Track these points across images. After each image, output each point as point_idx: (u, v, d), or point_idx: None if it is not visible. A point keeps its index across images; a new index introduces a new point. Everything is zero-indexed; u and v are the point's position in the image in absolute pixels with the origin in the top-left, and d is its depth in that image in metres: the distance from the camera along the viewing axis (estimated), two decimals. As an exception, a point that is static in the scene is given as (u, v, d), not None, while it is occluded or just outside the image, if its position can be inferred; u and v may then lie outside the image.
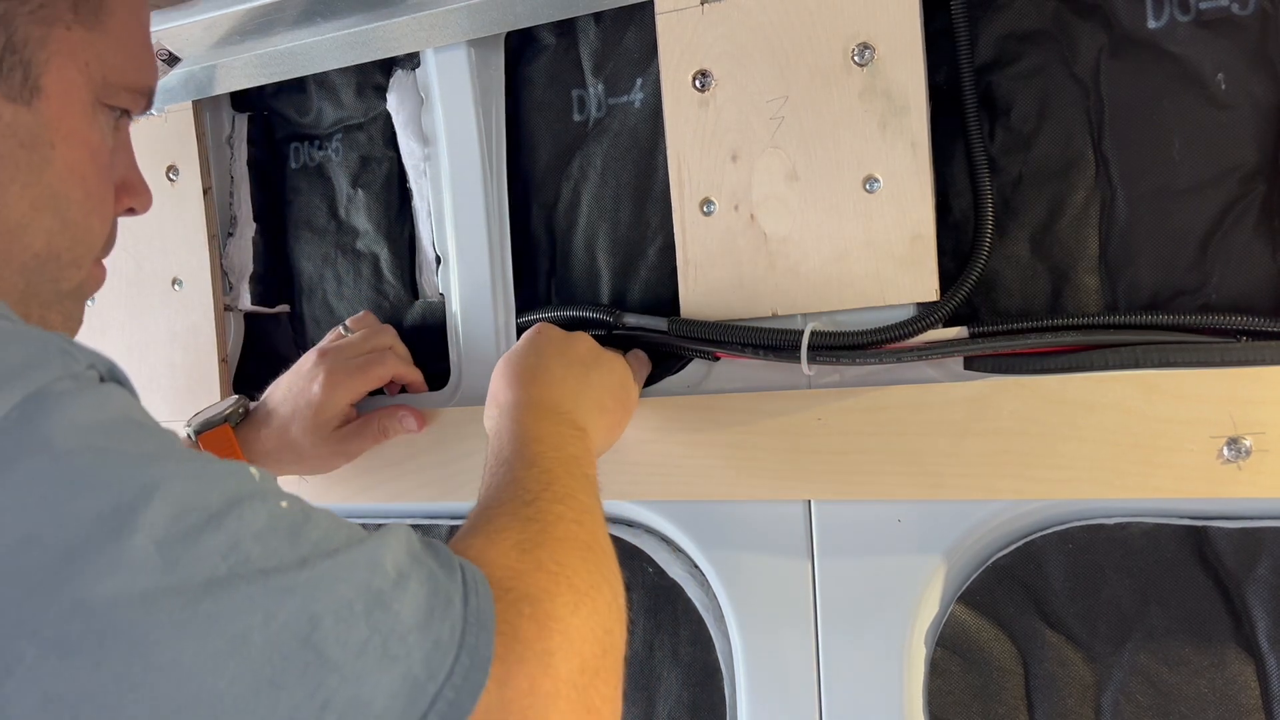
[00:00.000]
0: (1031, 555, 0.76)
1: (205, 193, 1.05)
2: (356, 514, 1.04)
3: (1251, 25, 0.69)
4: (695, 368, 0.85)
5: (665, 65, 0.80)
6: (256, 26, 0.90)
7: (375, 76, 0.99)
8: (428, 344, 1.02)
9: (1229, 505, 0.70)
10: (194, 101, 1.03)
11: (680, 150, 0.81)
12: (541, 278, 0.95)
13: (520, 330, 0.93)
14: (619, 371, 0.80)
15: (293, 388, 0.91)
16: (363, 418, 0.92)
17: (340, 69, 0.98)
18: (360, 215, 1.03)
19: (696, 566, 0.89)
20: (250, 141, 1.06)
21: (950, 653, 0.79)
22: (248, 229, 1.06)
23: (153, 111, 1.05)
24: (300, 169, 1.06)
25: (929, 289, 0.75)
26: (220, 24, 0.90)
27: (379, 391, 0.95)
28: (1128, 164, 0.73)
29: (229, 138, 1.07)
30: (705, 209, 0.81)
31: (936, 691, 0.79)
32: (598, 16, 0.88)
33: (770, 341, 0.78)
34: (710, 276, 0.81)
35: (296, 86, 1.04)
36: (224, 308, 1.07)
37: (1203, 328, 0.70)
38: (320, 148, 1.04)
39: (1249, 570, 0.70)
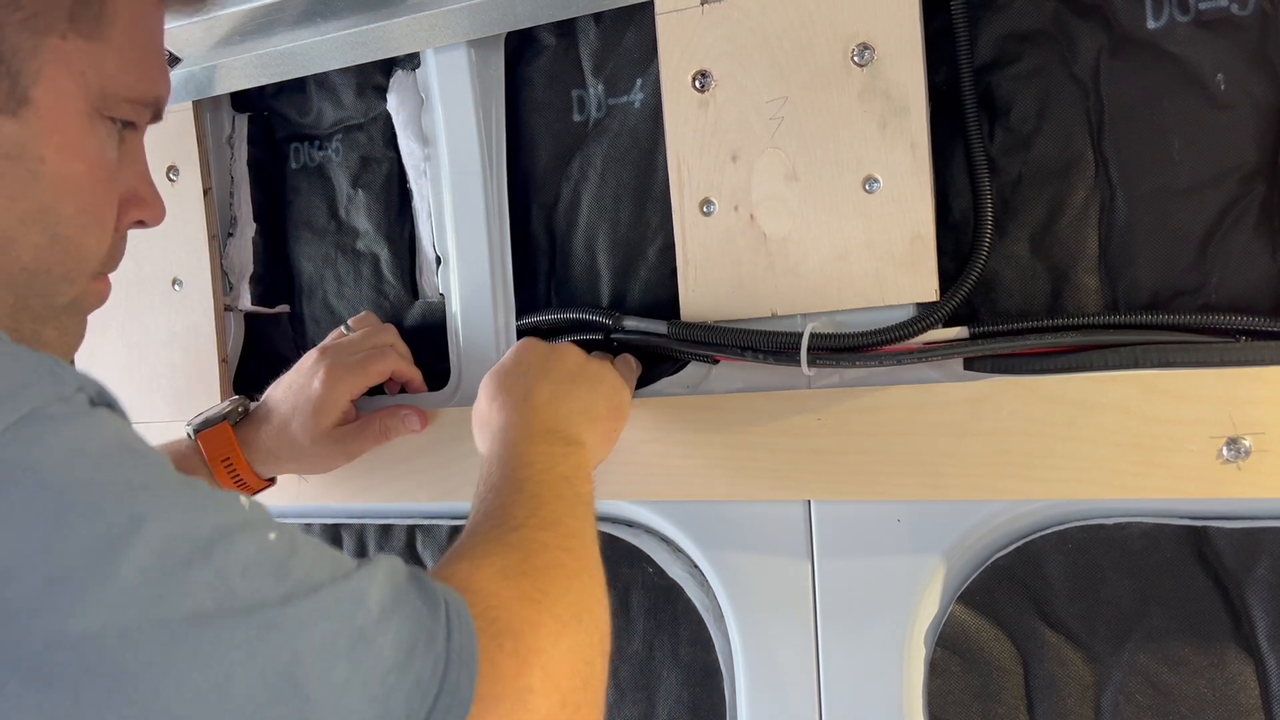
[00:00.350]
0: (1031, 555, 0.76)
1: (205, 193, 1.05)
2: (356, 514, 1.04)
3: (1251, 25, 0.69)
4: (695, 368, 0.85)
5: (665, 65, 0.80)
6: (256, 27, 0.90)
7: (375, 77, 0.99)
8: (428, 344, 1.02)
9: (1229, 505, 0.70)
10: (194, 101, 1.03)
11: (680, 150, 0.81)
12: (541, 278, 0.95)
13: (521, 333, 0.93)
14: (608, 379, 0.80)
15: (293, 385, 0.91)
16: (364, 417, 0.92)
17: (340, 69, 0.98)
18: (360, 215, 1.03)
19: (696, 566, 0.89)
20: (250, 142, 1.06)
21: (950, 653, 0.79)
22: (248, 229, 1.06)
23: (153, 112, 1.05)
24: (300, 169, 1.06)
25: (929, 289, 0.75)
26: (220, 24, 0.90)
27: (379, 391, 0.95)
28: (1127, 164, 0.73)
29: (229, 138, 1.07)
30: (705, 209, 0.81)
31: (936, 691, 0.79)
32: (598, 17, 0.88)
33: (770, 345, 0.78)
34: (710, 277, 0.81)
35: (297, 87, 1.04)
36: (224, 308, 1.07)
37: (1202, 328, 0.70)
38: (320, 148, 1.04)
39: (1249, 570, 0.70)
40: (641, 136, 0.88)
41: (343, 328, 0.96)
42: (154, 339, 1.07)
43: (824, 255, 0.77)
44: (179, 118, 1.04)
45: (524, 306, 0.94)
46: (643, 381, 0.86)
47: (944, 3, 0.75)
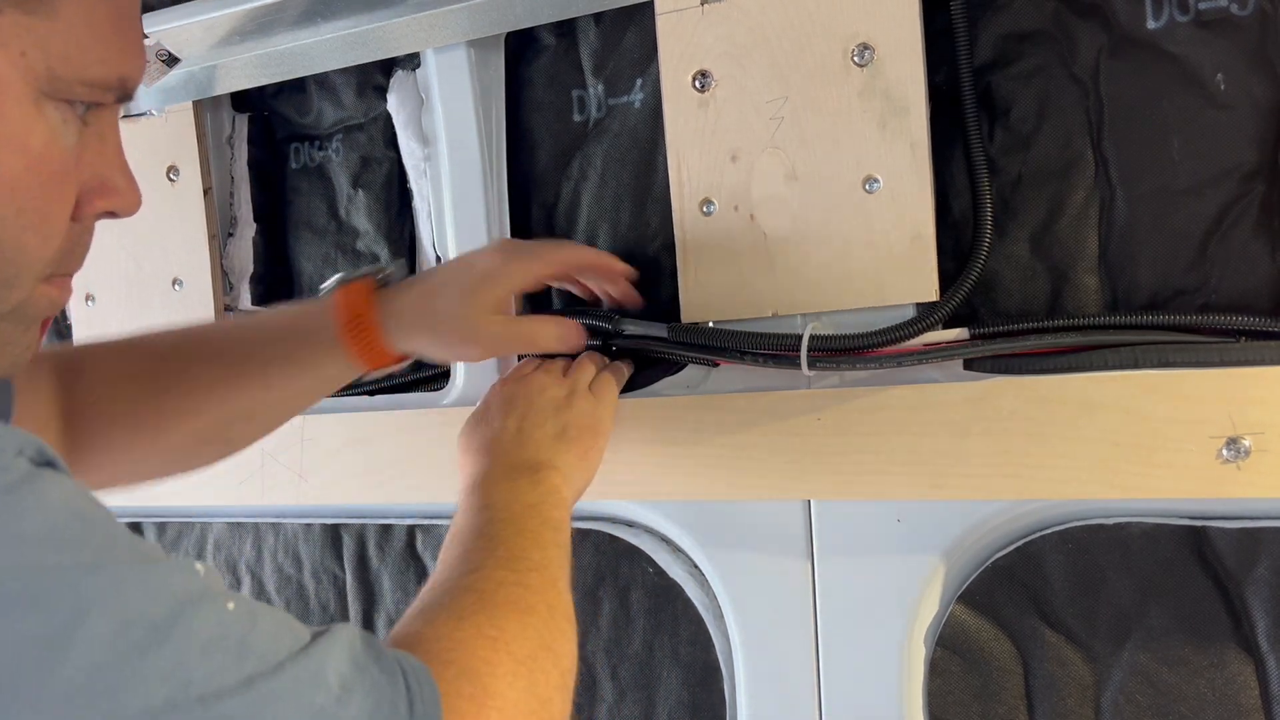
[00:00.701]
0: (1031, 555, 0.76)
1: (205, 193, 1.05)
2: (356, 514, 1.04)
3: (1251, 25, 0.69)
4: (695, 368, 0.85)
5: (665, 65, 0.80)
6: (256, 27, 0.90)
7: (375, 77, 0.99)
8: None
9: (1228, 505, 0.70)
10: (194, 102, 1.03)
11: (680, 150, 0.81)
12: (541, 278, 0.95)
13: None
14: (580, 398, 0.78)
15: (459, 260, 0.84)
16: (525, 317, 0.84)
17: (340, 69, 0.98)
18: (360, 215, 1.03)
19: (696, 566, 0.89)
20: (251, 142, 1.06)
21: (950, 653, 0.79)
22: (248, 229, 1.06)
23: (153, 111, 1.05)
24: (301, 169, 1.06)
25: (929, 289, 0.75)
26: (220, 24, 0.90)
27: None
28: (1127, 164, 0.73)
29: (229, 138, 1.07)
30: (705, 209, 0.81)
31: (936, 691, 0.79)
32: (597, 17, 0.88)
33: (770, 348, 0.78)
34: (710, 276, 0.81)
35: (297, 87, 1.04)
36: (224, 308, 1.07)
37: (1202, 328, 0.70)
38: (320, 148, 1.05)
39: (1248, 570, 0.70)
40: (641, 137, 0.88)
41: None
42: (154, 339, 1.07)
43: (824, 255, 0.77)
44: (179, 118, 1.04)
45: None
46: (642, 383, 0.86)
47: (944, 3, 0.75)
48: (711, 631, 0.87)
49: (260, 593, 1.11)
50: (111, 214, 0.57)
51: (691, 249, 0.82)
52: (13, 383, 0.62)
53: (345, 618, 1.06)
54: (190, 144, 1.04)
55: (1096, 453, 0.70)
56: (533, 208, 0.94)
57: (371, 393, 1.02)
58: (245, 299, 1.06)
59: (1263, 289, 0.70)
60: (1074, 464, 0.70)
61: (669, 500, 0.87)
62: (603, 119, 0.90)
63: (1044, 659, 0.76)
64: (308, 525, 1.07)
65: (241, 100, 1.07)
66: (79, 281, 0.62)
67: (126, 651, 0.40)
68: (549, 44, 0.92)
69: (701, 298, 0.81)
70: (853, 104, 0.75)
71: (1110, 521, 0.74)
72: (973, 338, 0.75)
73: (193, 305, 1.05)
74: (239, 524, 1.12)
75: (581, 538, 0.91)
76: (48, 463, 0.45)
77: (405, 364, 0.81)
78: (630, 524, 0.92)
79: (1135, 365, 0.69)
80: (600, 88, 0.90)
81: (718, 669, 0.87)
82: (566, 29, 0.91)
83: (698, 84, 0.79)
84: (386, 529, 1.02)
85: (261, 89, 1.05)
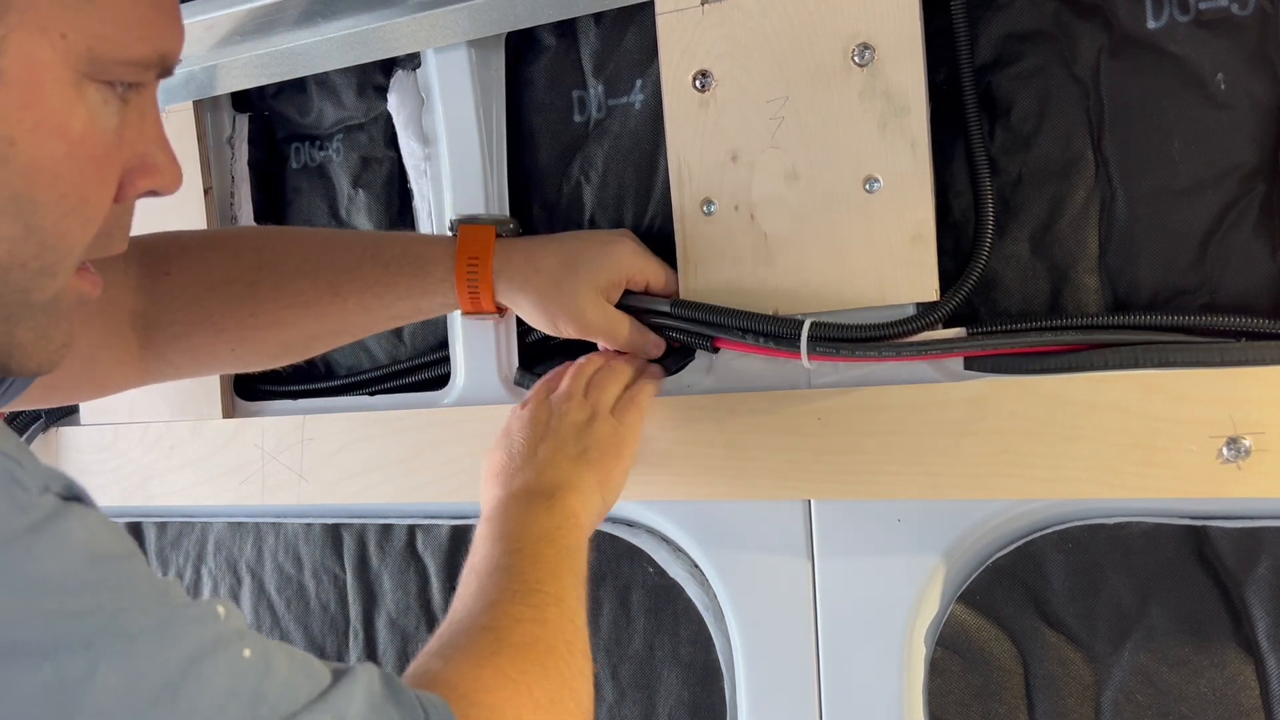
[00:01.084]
0: (1031, 555, 0.76)
1: (206, 193, 1.05)
2: (356, 514, 1.04)
3: (1251, 25, 0.69)
4: (695, 368, 0.85)
5: (665, 65, 0.80)
6: (257, 26, 0.90)
7: (376, 76, 1.00)
8: (427, 344, 1.02)
9: (1229, 505, 0.70)
10: (194, 101, 1.03)
11: (680, 150, 0.81)
12: (542, 278, 0.95)
13: (520, 333, 0.93)
14: (601, 419, 0.77)
15: (587, 234, 0.85)
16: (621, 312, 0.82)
17: (341, 69, 0.98)
18: (361, 215, 1.03)
19: (696, 566, 0.89)
20: (251, 141, 1.06)
21: (950, 652, 0.79)
22: (248, 229, 1.06)
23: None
24: (301, 169, 1.06)
25: (929, 289, 0.75)
26: (220, 24, 0.90)
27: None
28: (1128, 164, 0.73)
29: (229, 138, 1.07)
30: (705, 209, 0.81)
31: (936, 691, 0.79)
32: (598, 17, 0.88)
33: (770, 329, 0.77)
34: (710, 276, 0.81)
35: (297, 86, 1.04)
36: (224, 308, 1.07)
37: (1202, 328, 0.70)
38: (321, 148, 1.05)
39: (1249, 570, 0.70)
40: (642, 137, 0.88)
41: None
42: (154, 339, 1.07)
43: (824, 255, 0.77)
44: (179, 118, 1.04)
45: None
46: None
47: (944, 2, 0.75)
48: (711, 631, 0.87)
49: (260, 592, 1.11)
50: (154, 193, 0.56)
51: (692, 249, 0.82)
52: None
53: (346, 618, 1.06)
54: (190, 144, 1.04)
55: (1096, 453, 0.70)
56: (533, 208, 0.94)
57: (372, 392, 1.02)
58: (245, 299, 1.06)
59: (1263, 289, 0.70)
60: (1074, 464, 0.70)
61: (669, 500, 0.87)
62: (603, 119, 0.90)
63: (1044, 659, 0.76)
64: (308, 525, 1.07)
65: (241, 100, 1.07)
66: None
67: (137, 707, 0.40)
68: (549, 44, 0.92)
69: (701, 297, 0.81)
70: (853, 104, 0.75)
71: (1110, 521, 0.74)
72: (972, 335, 0.75)
73: (193, 305, 1.05)
74: (239, 524, 1.12)
75: (582, 538, 0.91)
76: (75, 497, 0.44)
77: (500, 318, 0.83)
78: (630, 524, 0.92)
79: (1135, 365, 0.69)
80: (600, 88, 0.90)
81: (718, 669, 0.88)
82: (567, 29, 0.91)
83: (698, 84, 0.79)
84: (387, 529, 1.02)
85: (261, 89, 1.05)
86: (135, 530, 1.19)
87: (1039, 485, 0.72)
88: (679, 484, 0.83)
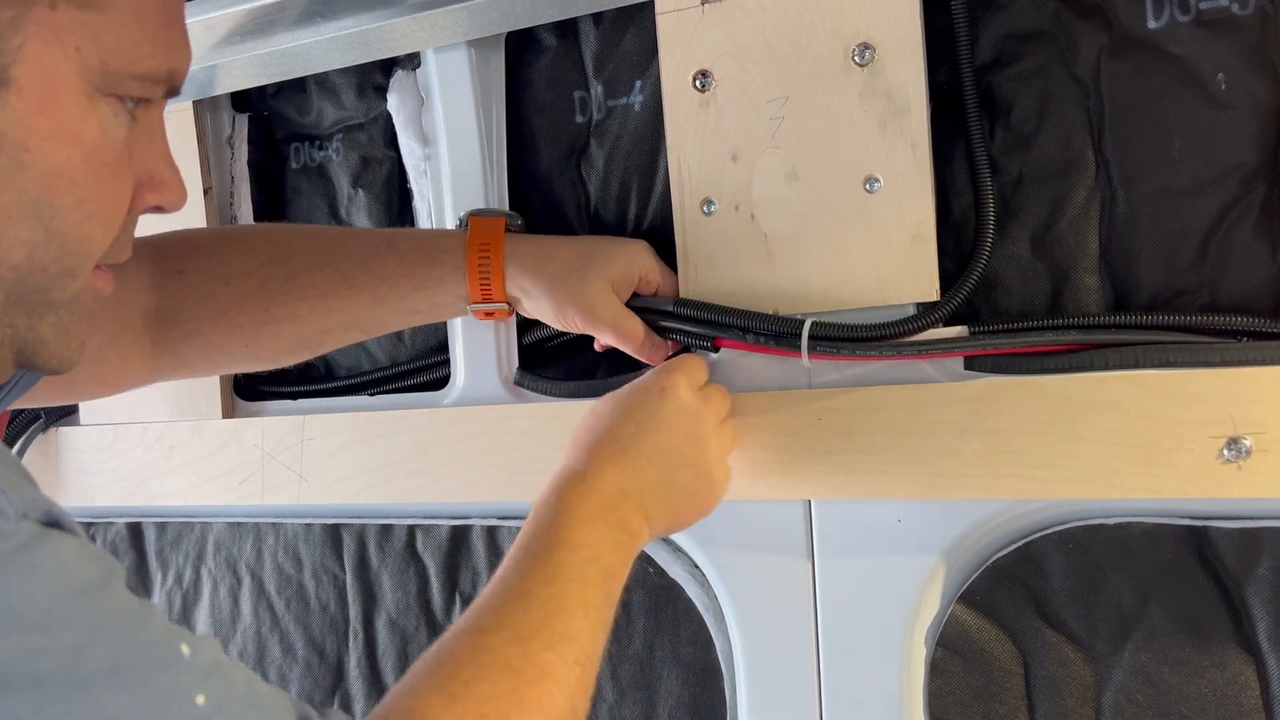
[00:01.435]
0: (1031, 555, 0.76)
1: (206, 193, 1.05)
2: (356, 514, 1.04)
3: (1251, 25, 0.69)
4: (695, 368, 0.85)
5: (665, 65, 0.80)
6: (256, 26, 0.90)
7: (375, 76, 0.99)
8: (427, 344, 1.02)
9: (1229, 505, 0.70)
10: (194, 101, 1.03)
11: (680, 150, 0.81)
12: (542, 278, 0.95)
13: (520, 333, 0.93)
14: (715, 472, 0.75)
15: (602, 237, 0.85)
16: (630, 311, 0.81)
17: (340, 69, 0.98)
18: (361, 215, 1.03)
19: (696, 566, 0.89)
20: (250, 141, 1.06)
21: (950, 653, 0.79)
22: (248, 229, 1.06)
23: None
24: (301, 169, 1.06)
25: (929, 289, 0.75)
26: (220, 24, 0.90)
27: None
28: (1128, 164, 0.73)
29: (229, 138, 1.07)
30: (705, 209, 0.81)
31: (936, 691, 0.79)
32: (597, 18, 0.88)
33: (771, 329, 0.77)
34: (710, 276, 0.81)
35: (297, 86, 1.04)
36: (224, 308, 1.06)
37: (1203, 328, 0.70)
38: (321, 148, 1.05)
39: (1249, 570, 0.70)
40: (642, 138, 0.88)
41: None
42: (154, 339, 1.07)
43: (824, 255, 0.77)
44: (179, 117, 1.04)
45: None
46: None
47: (944, 2, 0.75)
48: (711, 631, 0.87)
49: (260, 593, 1.11)
50: (160, 209, 0.58)
51: (692, 249, 0.82)
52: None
53: (345, 618, 1.06)
54: (190, 144, 1.04)
55: (1096, 453, 0.70)
56: (533, 208, 0.94)
57: (372, 392, 1.02)
58: (245, 299, 1.06)
59: (1263, 289, 0.70)
60: (1074, 464, 0.70)
61: (669, 500, 0.87)
62: (603, 120, 0.90)
63: (1044, 659, 0.76)
64: (308, 525, 1.07)
65: (241, 100, 1.07)
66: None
67: None
68: (549, 45, 0.92)
69: (702, 297, 0.81)
70: (853, 104, 0.75)
71: (1110, 521, 0.74)
72: (973, 335, 0.75)
73: (193, 305, 1.05)
74: (239, 524, 1.12)
75: (582, 538, 0.91)
76: (54, 523, 0.44)
77: (508, 315, 0.82)
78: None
79: (1136, 365, 0.69)
80: (600, 88, 0.90)
81: (718, 669, 0.87)
82: (567, 29, 0.91)
83: (698, 84, 0.79)
84: (386, 529, 1.02)
85: (261, 89, 1.05)
86: (135, 530, 1.19)
87: (1039, 485, 0.72)
88: (679, 484, 0.83)
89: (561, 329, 0.82)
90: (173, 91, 0.56)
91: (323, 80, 1.02)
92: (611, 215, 0.90)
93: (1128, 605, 0.73)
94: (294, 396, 1.05)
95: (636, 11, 0.86)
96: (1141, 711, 0.73)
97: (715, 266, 0.81)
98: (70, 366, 0.56)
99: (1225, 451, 0.66)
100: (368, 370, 1.04)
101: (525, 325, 0.93)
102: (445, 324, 0.96)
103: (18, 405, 0.73)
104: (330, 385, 1.05)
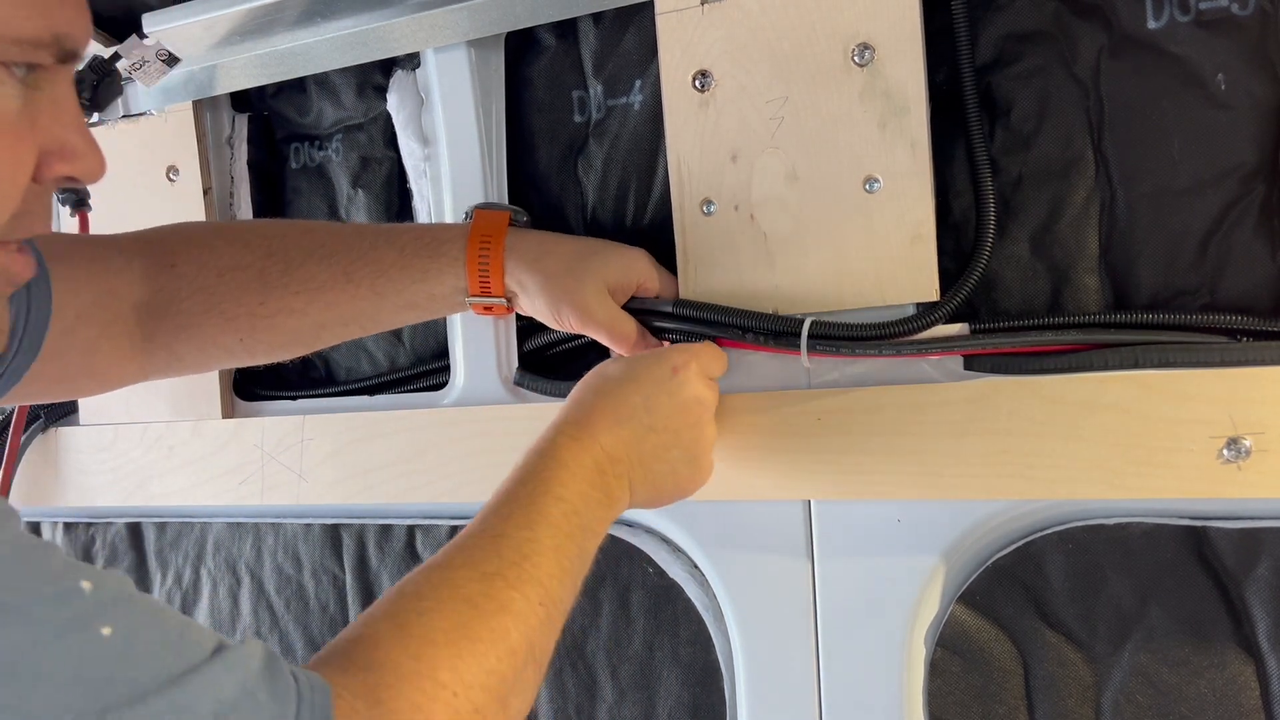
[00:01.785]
0: (1031, 555, 0.76)
1: (205, 193, 1.05)
2: (356, 514, 1.04)
3: (1251, 25, 0.69)
4: (695, 368, 0.85)
5: (665, 65, 0.80)
6: (256, 27, 0.90)
7: (375, 76, 0.99)
8: (427, 344, 1.02)
9: (1229, 505, 0.70)
10: (194, 102, 1.03)
11: (680, 150, 0.81)
12: (541, 278, 0.95)
13: (520, 334, 0.93)
14: (702, 460, 0.75)
15: (604, 240, 0.84)
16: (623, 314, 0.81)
17: (340, 69, 0.98)
18: (360, 215, 1.03)
19: (696, 566, 0.89)
20: (250, 142, 1.06)
21: (950, 653, 0.79)
22: (248, 229, 1.06)
23: (152, 111, 1.05)
24: (300, 169, 1.06)
25: (929, 289, 0.75)
26: (220, 24, 0.90)
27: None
28: (1128, 164, 0.73)
29: (229, 138, 1.07)
30: (705, 209, 0.81)
31: (936, 692, 0.79)
32: (597, 17, 0.88)
33: (771, 328, 0.78)
34: (710, 277, 0.81)
35: (296, 87, 1.04)
36: (224, 308, 1.06)
37: (1203, 328, 0.70)
38: (320, 148, 1.05)
39: (1249, 570, 0.70)
40: (642, 138, 0.88)
41: None
42: (154, 339, 1.07)
43: (824, 255, 0.77)
44: (179, 118, 1.04)
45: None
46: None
47: (944, 2, 0.75)
48: (711, 631, 0.87)
49: (260, 593, 1.11)
50: (74, 179, 0.55)
51: (692, 249, 0.82)
52: None
53: (345, 618, 1.06)
54: (190, 144, 1.04)
55: (1096, 453, 0.70)
56: (533, 208, 0.94)
57: (372, 392, 1.02)
58: (245, 299, 1.06)
59: (1263, 289, 0.70)
60: (1074, 464, 0.70)
61: (669, 500, 0.87)
62: (603, 119, 0.90)
63: (1044, 659, 0.76)
64: (308, 525, 1.07)
65: (241, 100, 1.07)
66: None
67: None
68: (549, 44, 0.92)
69: (702, 297, 0.81)
70: (853, 104, 0.75)
71: (1110, 521, 0.74)
72: (973, 334, 0.75)
73: (192, 305, 1.05)
74: (239, 524, 1.12)
75: (581, 538, 0.91)
76: None
77: (507, 312, 0.82)
78: (630, 524, 0.92)
79: (1135, 365, 0.69)
80: (600, 88, 0.90)
81: (718, 669, 0.87)
82: (566, 29, 0.91)
83: (698, 84, 0.79)
84: (386, 529, 1.02)
85: (261, 89, 1.05)
86: (135, 530, 1.19)
87: (1039, 485, 0.72)
88: (679, 484, 0.83)
89: (556, 328, 0.82)
90: (68, 56, 0.52)
91: (323, 80, 1.02)
92: (610, 215, 0.90)
93: (1127, 605, 0.74)
94: (293, 398, 1.05)
95: (636, 11, 0.86)
96: (1141, 712, 0.73)
97: (715, 266, 0.81)
98: None
99: (1225, 452, 0.66)
100: (368, 374, 1.04)
101: (528, 331, 0.93)
102: (445, 327, 0.96)
103: (6, 402, 0.72)
104: (329, 391, 1.05)
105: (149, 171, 1.05)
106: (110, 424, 1.10)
